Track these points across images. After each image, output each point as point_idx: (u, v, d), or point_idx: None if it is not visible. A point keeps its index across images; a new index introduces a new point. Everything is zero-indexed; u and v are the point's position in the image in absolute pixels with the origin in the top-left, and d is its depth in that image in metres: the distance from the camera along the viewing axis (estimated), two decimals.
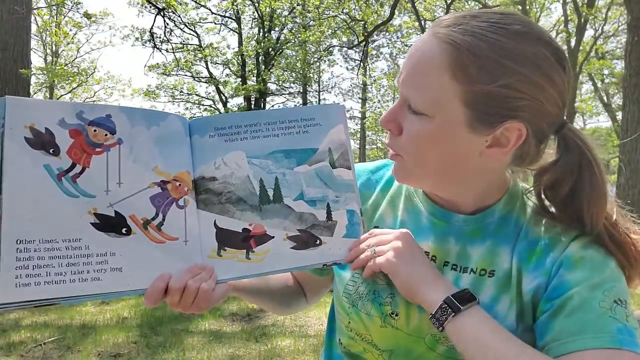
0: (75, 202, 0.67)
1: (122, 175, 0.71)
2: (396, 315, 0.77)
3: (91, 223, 0.68)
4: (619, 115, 13.75)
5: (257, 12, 18.18)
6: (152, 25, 13.82)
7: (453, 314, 0.66)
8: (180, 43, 17.98)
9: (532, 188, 0.76)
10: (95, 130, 0.70)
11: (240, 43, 18.87)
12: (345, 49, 19.82)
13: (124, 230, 0.70)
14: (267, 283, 0.95)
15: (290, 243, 0.78)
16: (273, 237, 0.78)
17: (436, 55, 0.66)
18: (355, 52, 21.01)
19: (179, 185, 0.75)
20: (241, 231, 0.77)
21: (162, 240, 0.72)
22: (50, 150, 0.67)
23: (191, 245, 0.74)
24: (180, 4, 16.23)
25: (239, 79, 19.05)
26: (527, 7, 14.39)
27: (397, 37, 19.87)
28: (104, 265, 0.68)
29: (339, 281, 0.85)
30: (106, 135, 0.71)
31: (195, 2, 17.37)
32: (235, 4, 17.94)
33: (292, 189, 0.79)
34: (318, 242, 0.79)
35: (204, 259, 0.75)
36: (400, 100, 0.72)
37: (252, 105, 18.66)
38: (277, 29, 19.01)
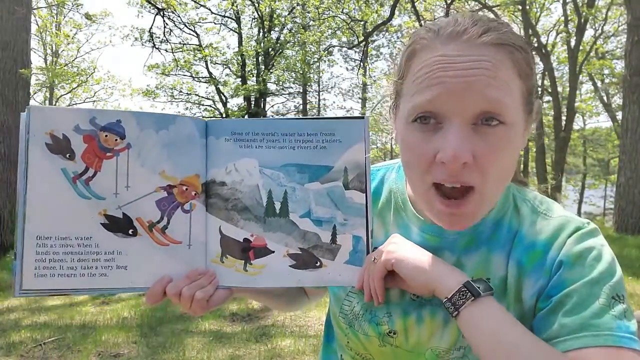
0: (87, 203, 0.73)
1: (130, 179, 0.75)
2: (394, 333, 0.76)
3: (101, 223, 0.73)
4: (619, 115, 13.75)
5: (257, 12, 18.17)
6: (152, 25, 13.80)
7: (472, 297, 0.64)
8: (180, 43, 17.97)
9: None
10: (106, 136, 0.74)
11: (240, 43, 18.85)
12: (345, 49, 19.81)
13: (130, 232, 0.74)
14: None
15: (289, 260, 0.77)
16: (273, 252, 0.77)
17: (500, 60, 0.63)
18: (355, 52, 20.99)
19: (186, 189, 0.77)
20: (242, 241, 0.76)
21: (166, 243, 0.75)
22: (67, 155, 0.73)
23: (194, 250, 0.76)
24: (180, 4, 16.21)
25: (239, 79, 19.03)
26: (527, 7, 14.37)
27: (397, 37, 19.87)
28: (111, 262, 0.73)
29: (335, 299, 0.84)
30: (116, 140, 0.75)
31: (195, 2, 17.36)
32: (235, 4, 17.93)
33: (300, 205, 0.77)
34: (318, 264, 0.76)
35: (208, 263, 0.76)
36: (461, 123, 0.63)
37: (252, 105, 18.66)
38: (277, 29, 19.00)
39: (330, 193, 0.77)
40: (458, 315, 0.65)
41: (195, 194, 0.77)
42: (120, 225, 0.73)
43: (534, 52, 0.70)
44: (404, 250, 0.71)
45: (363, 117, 0.78)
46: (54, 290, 0.72)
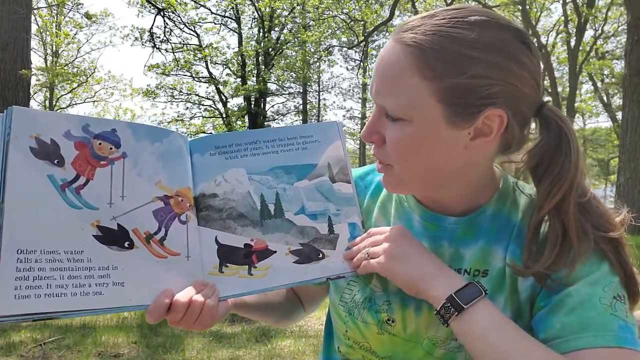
0: (78, 213, 0.66)
1: (125, 189, 0.70)
2: (392, 321, 0.77)
3: (93, 235, 0.67)
4: (619, 115, 13.75)
5: (257, 12, 18.17)
6: (152, 25, 13.81)
7: (456, 313, 0.65)
8: (180, 43, 17.97)
9: (519, 177, 0.76)
10: (100, 144, 0.70)
11: (240, 43, 18.85)
12: (345, 49, 19.83)
13: (126, 244, 0.69)
14: (267, 297, 0.95)
15: (292, 257, 0.78)
16: (275, 251, 0.77)
17: (402, 59, 0.66)
18: (355, 52, 21.03)
19: (181, 200, 0.75)
20: (243, 247, 0.77)
21: (164, 255, 0.71)
22: (55, 161, 0.66)
23: (193, 261, 0.73)
24: (180, 3, 16.22)
25: (239, 79, 19.03)
26: (527, 7, 14.37)
27: None
28: (106, 279, 0.66)
29: (335, 289, 0.85)
30: (111, 148, 0.71)
31: (195, 2, 17.37)
32: (235, 3, 17.94)
33: (293, 203, 0.80)
34: (321, 255, 0.78)
35: (205, 276, 0.74)
36: (377, 110, 0.71)
37: (252, 105, 18.66)
38: (277, 29, 19.00)
39: (320, 187, 0.81)
40: (448, 326, 0.67)
41: (189, 206, 0.75)
42: (114, 237, 0.68)
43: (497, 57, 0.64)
44: (394, 264, 0.71)
45: (336, 122, 0.86)
46: (40, 314, 0.60)
